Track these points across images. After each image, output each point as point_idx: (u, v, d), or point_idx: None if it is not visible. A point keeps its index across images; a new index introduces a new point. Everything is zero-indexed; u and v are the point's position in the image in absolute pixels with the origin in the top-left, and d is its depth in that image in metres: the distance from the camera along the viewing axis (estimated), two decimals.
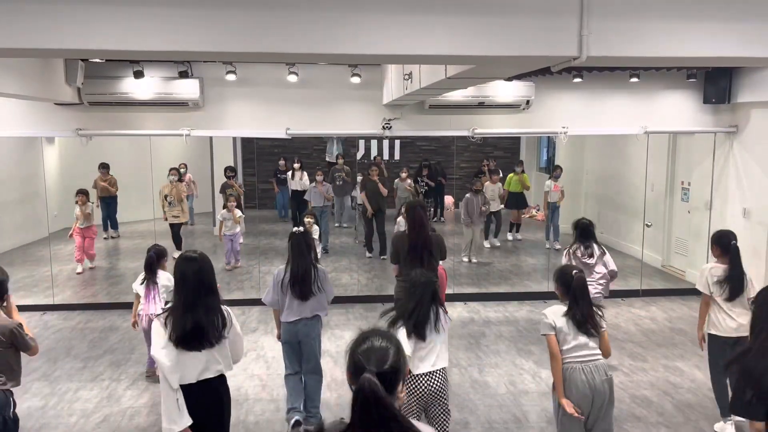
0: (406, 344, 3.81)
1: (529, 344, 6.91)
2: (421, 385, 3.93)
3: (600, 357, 3.84)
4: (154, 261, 5.62)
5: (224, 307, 3.63)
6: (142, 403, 5.54)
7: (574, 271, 3.84)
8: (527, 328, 7.49)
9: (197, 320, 3.43)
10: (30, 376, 6.03)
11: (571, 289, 3.80)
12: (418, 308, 3.90)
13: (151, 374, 6.02)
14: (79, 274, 9.53)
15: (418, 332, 3.88)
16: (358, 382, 1.95)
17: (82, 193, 9.32)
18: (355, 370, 2.04)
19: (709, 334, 5.00)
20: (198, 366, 3.50)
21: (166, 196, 9.80)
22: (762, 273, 7.96)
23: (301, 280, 4.79)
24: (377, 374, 1.96)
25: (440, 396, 3.98)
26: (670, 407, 5.44)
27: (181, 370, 3.45)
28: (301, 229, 4.92)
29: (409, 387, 3.92)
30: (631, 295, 8.69)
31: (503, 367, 6.31)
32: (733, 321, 4.83)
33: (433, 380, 3.93)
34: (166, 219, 9.86)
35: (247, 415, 5.27)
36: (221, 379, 3.63)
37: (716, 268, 4.90)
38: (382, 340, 2.11)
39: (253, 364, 6.31)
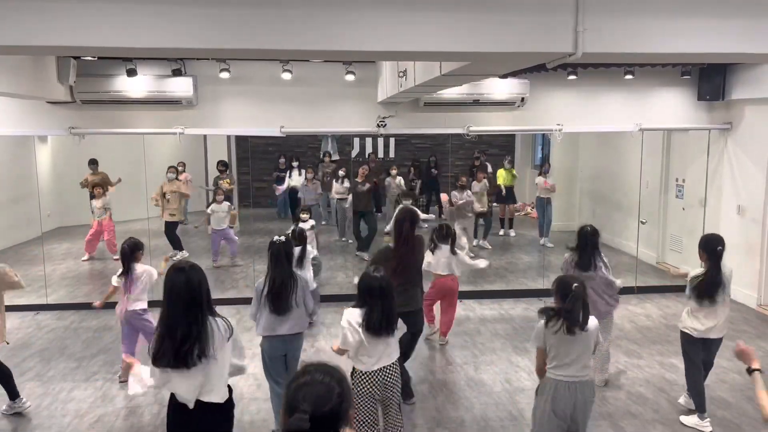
0: (355, 330, 3.81)
1: (525, 342, 6.90)
2: (374, 379, 3.92)
3: (588, 375, 3.83)
4: (127, 253, 5.52)
5: (222, 321, 3.41)
6: (136, 403, 5.50)
7: (575, 284, 3.71)
8: (523, 325, 7.48)
9: (181, 335, 3.21)
10: (23, 377, 6.00)
11: (568, 299, 3.69)
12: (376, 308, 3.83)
13: (125, 378, 5.89)
14: (84, 261, 10.00)
15: (374, 329, 3.83)
16: (288, 424, 1.75)
17: (99, 185, 9.66)
18: (288, 408, 1.80)
19: (686, 334, 5.04)
20: (192, 383, 3.28)
21: (164, 194, 9.82)
22: (756, 269, 8.00)
23: (278, 293, 4.53)
24: (312, 417, 1.74)
25: (394, 389, 4.00)
26: (665, 404, 5.44)
27: (172, 389, 3.34)
28: (282, 238, 4.67)
29: (363, 384, 3.91)
30: (626, 292, 8.63)
31: (499, 365, 6.30)
32: (700, 323, 4.93)
33: (385, 374, 3.94)
34: (163, 217, 9.87)
35: (242, 415, 5.24)
36: (222, 404, 3.39)
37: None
38: (324, 375, 1.86)
39: (248, 363, 6.27)
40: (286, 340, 4.66)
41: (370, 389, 3.92)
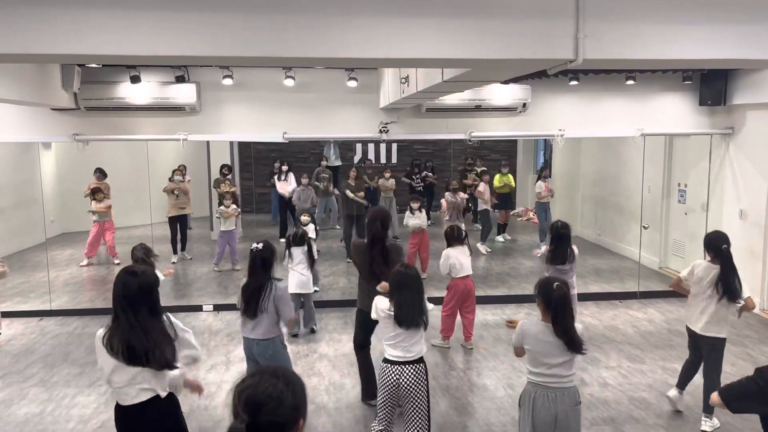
0: (385, 305, 4.04)
1: None
2: (388, 374, 4.05)
3: (571, 382, 3.67)
4: (140, 260, 5.61)
5: (179, 330, 3.30)
6: None
7: (555, 283, 3.60)
8: None
9: (129, 339, 3.12)
10: (27, 382, 6.02)
11: (552, 302, 3.57)
12: (403, 296, 3.98)
13: None
14: (82, 266, 10.01)
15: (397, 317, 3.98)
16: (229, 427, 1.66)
17: (98, 190, 9.81)
18: (232, 411, 1.70)
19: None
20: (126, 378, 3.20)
21: (173, 190, 10.04)
22: (759, 273, 7.99)
23: (249, 298, 4.57)
24: (250, 425, 1.62)
25: (411, 393, 4.04)
26: (668, 409, 5.44)
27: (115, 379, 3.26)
28: (260, 246, 4.71)
29: (381, 370, 4.11)
30: (628, 297, 8.70)
31: (501, 370, 6.30)
32: (700, 320, 4.92)
33: (402, 374, 4.01)
34: (169, 213, 10.04)
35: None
36: (158, 401, 3.24)
37: (710, 268, 4.90)
38: (275, 380, 1.69)
39: (243, 365, 6.28)
40: (256, 344, 4.63)
41: (384, 379, 4.07)
